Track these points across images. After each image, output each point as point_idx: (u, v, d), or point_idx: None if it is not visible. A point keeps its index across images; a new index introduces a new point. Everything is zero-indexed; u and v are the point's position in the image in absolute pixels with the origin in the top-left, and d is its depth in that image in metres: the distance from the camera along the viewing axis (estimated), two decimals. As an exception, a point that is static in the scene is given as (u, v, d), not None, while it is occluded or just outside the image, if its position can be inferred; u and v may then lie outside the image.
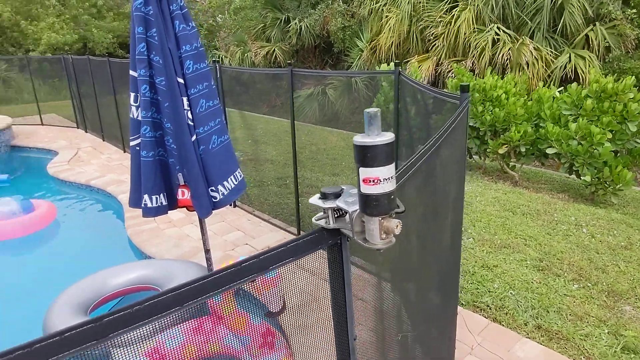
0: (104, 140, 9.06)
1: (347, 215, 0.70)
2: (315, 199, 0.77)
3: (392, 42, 10.90)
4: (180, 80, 2.79)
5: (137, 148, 2.88)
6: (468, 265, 3.89)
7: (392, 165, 0.66)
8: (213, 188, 2.94)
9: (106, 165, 7.37)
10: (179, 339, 2.61)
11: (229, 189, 3.02)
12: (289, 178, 5.77)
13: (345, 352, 0.86)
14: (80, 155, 8.14)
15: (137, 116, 2.84)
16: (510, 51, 8.28)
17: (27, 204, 5.18)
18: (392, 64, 8.25)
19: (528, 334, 3.01)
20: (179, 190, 2.96)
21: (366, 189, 0.68)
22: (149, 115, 2.80)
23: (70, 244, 5.03)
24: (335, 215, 0.75)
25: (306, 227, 4.65)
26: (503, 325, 3.10)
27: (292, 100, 4.24)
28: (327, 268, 0.78)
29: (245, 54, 15.71)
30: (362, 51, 12.84)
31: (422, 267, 1.46)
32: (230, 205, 5.34)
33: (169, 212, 3.05)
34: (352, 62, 13.53)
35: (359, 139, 0.69)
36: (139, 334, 0.59)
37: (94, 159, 7.85)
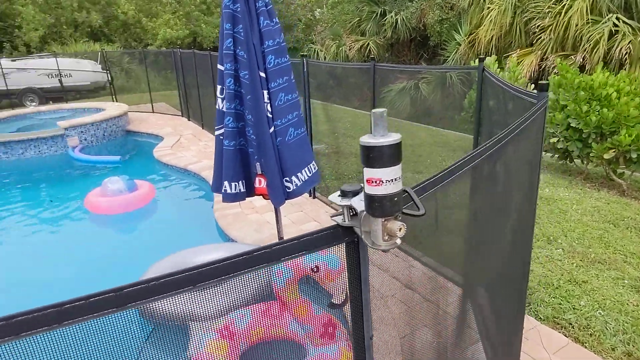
0: (203, 128, 9.80)
1: (358, 213, 0.71)
2: (334, 196, 0.78)
3: (493, 36, 10.28)
4: (262, 74, 2.93)
5: (221, 137, 3.10)
6: (552, 278, 3.59)
7: (397, 167, 0.65)
8: (287, 178, 3.06)
9: (203, 152, 7.97)
10: (247, 320, 2.79)
11: (302, 180, 3.12)
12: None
13: (361, 350, 0.87)
14: (182, 141, 8.89)
15: (222, 107, 3.05)
16: (630, 44, 7.37)
17: (131, 184, 5.82)
18: (478, 60, 7.80)
19: (614, 361, 2.71)
20: (257, 179, 3.13)
21: (369, 190, 0.68)
22: (232, 107, 2.99)
23: (165, 221, 5.57)
24: (351, 214, 0.76)
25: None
26: (585, 347, 2.83)
27: (373, 94, 4.23)
28: (346, 263, 0.80)
29: (340, 48, 15.87)
30: (460, 45, 12.29)
31: (473, 271, 1.40)
32: (310, 196, 5.49)
33: (246, 199, 3.24)
34: (448, 56, 13.02)
35: (365, 138, 0.70)
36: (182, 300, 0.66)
37: (193, 145, 8.54)
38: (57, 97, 14.45)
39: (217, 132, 3.14)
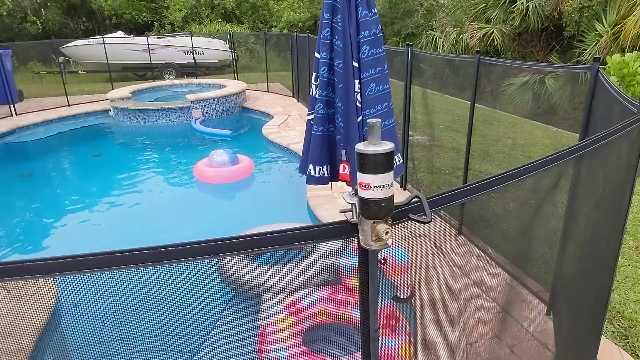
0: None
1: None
2: (346, 193, 0.83)
3: (642, 28, 8.95)
4: (355, 64, 2.97)
5: (311, 123, 3.23)
6: (661, 313, 3.15)
7: (387, 175, 0.68)
8: (370, 168, 3.10)
9: (306, 133, 8.30)
10: (313, 300, 2.93)
11: (385, 171, 3.13)
12: (469, 170, 5.52)
13: (366, 341, 0.91)
14: (289, 121, 9.34)
15: (315, 94, 3.17)
16: None
17: (234, 157, 6.32)
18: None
19: None
20: (341, 165, 3.22)
21: (361, 193, 0.72)
22: (324, 94, 3.10)
23: (262, 195, 5.98)
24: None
25: (467, 226, 4.43)
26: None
27: (474, 92, 4.03)
28: (357, 259, 0.84)
29: (460, 36, 15.08)
30: (601, 36, 10.90)
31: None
32: (401, 187, 5.45)
33: (336, 184, 3.36)
34: (584, 49, 11.63)
35: (359, 146, 0.73)
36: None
37: (298, 125, 8.92)
38: (190, 73, 16.05)
39: (308, 117, 3.29)
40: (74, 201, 5.94)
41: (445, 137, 7.33)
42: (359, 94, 3.00)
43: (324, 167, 3.24)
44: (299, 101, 11.20)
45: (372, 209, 0.71)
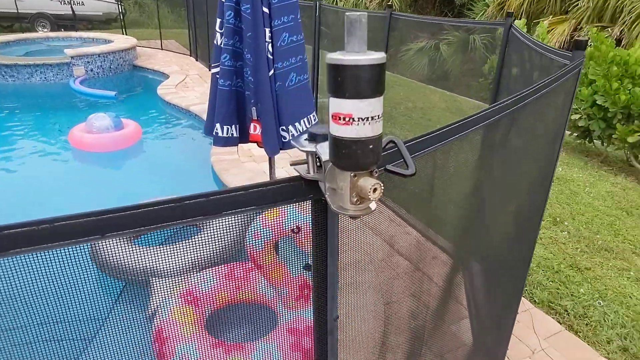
0: (210, 70, 9.44)
1: (322, 164, 0.49)
2: (299, 139, 0.57)
3: (525, -1, 9.64)
4: (265, 10, 2.63)
5: (217, 76, 2.85)
6: (553, 261, 3.41)
7: (376, 100, 0.43)
8: (284, 127, 2.83)
9: (207, 94, 7.67)
10: (211, 283, 2.62)
11: (300, 131, 2.89)
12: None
13: (322, 332, 0.68)
14: (187, 81, 8.58)
15: (220, 43, 2.77)
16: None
17: (117, 122, 5.51)
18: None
19: (608, 355, 2.57)
20: (251, 125, 2.90)
21: (336, 130, 0.47)
22: (230, 43, 2.72)
23: (159, 162, 5.38)
24: (318, 164, 0.55)
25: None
26: (579, 337, 2.68)
27: (387, 47, 3.91)
28: (310, 227, 0.60)
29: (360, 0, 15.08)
30: (488, 6, 11.60)
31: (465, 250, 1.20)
32: (311, 150, 5.27)
33: (243, 146, 3.03)
34: (473, 18, 12.33)
35: (334, 55, 0.46)
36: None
37: (198, 86, 8.23)
38: (68, 26, 13.98)
39: (212, 70, 2.89)
40: None
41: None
42: (270, 44, 2.68)
43: (233, 126, 2.90)
44: (197, 60, 10.35)
45: (355, 154, 0.46)
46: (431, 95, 9.84)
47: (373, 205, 0.49)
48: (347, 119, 0.43)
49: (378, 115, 0.44)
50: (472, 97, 9.37)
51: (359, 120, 0.43)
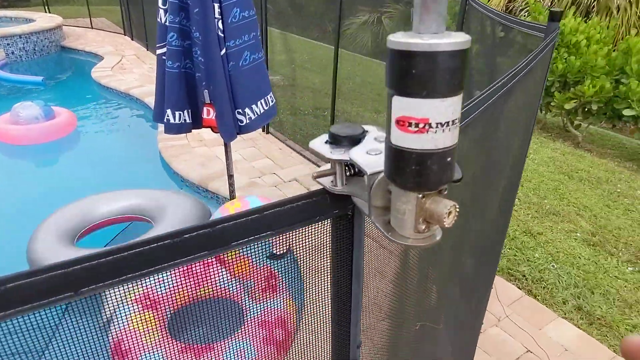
0: (147, 50, 8.87)
1: (365, 177, 0.40)
2: (318, 142, 0.47)
3: (464, -29, 9.77)
4: (213, -18, 2.43)
5: (163, 57, 2.63)
6: (509, 229, 3.55)
7: (459, 98, 0.32)
8: (240, 110, 2.68)
9: (147, 76, 7.22)
10: (169, 282, 2.46)
11: (257, 113, 2.76)
12: (327, 109, 5.42)
13: (342, 361, 0.61)
14: (124, 62, 8.02)
15: (165, 21, 2.55)
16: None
17: (48, 111, 5.04)
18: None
19: (565, 314, 2.72)
20: (204, 109, 2.72)
21: (400, 139, 0.34)
22: (176, 20, 2.50)
23: (97, 154, 4.97)
24: (348, 173, 0.46)
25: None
26: (538, 300, 2.82)
27: (339, 19, 3.79)
28: (331, 245, 0.51)
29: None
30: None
31: (463, 239, 1.16)
32: (263, 130, 5.12)
33: (193, 131, 2.85)
34: (415, -9, 12.41)
35: (403, 37, 0.33)
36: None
37: (136, 67, 7.72)
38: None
39: (158, 51, 2.66)
40: None
41: (300, 77, 7.12)
42: (220, 21, 2.49)
43: (185, 111, 2.70)
44: (133, 39, 9.68)
45: (428, 172, 0.35)
46: (378, 69, 9.84)
47: (438, 235, 0.39)
48: (420, 126, 0.32)
49: (456, 119, 0.33)
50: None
51: (437, 127, 0.32)
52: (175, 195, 3.29)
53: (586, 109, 5.33)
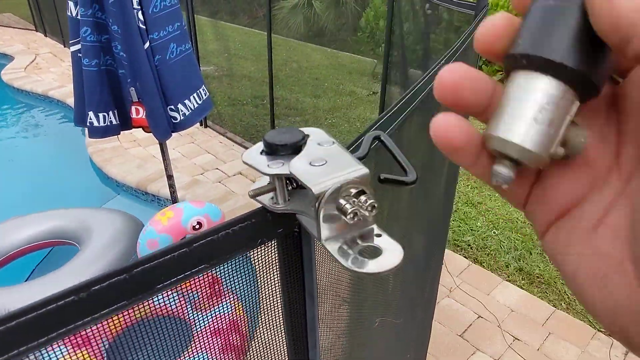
0: (65, 46, 8.21)
1: (310, 193, 0.35)
2: (252, 154, 0.41)
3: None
4: (128, -30, 2.25)
5: (79, 55, 2.41)
6: (452, 201, 3.68)
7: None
8: (172, 107, 2.53)
9: (67, 74, 6.68)
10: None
11: (191, 108, 2.62)
12: (266, 97, 5.31)
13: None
14: (39, 62, 7.38)
15: (76, 14, 2.33)
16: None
17: None
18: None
19: (509, 277, 2.87)
20: (132, 108, 2.54)
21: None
22: (89, 13, 2.29)
23: (19, 167, 4.53)
24: (290, 187, 0.41)
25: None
26: (484, 267, 2.95)
27: (269, 4, 3.69)
28: (279, 268, 0.46)
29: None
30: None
31: (414, 221, 1.16)
32: (201, 124, 4.92)
33: (122, 132, 2.66)
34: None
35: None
36: None
37: (53, 66, 7.13)
38: None
39: (72, 48, 2.44)
40: None
41: (235, 66, 6.91)
42: (140, 12, 2.31)
43: (110, 112, 2.51)
44: (46, 35, 8.92)
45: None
46: (313, 54, 9.79)
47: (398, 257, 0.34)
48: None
49: None
50: (353, 51, 9.50)
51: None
52: (100, 212, 3.02)
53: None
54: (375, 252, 0.35)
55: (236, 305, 2.32)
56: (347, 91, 6.69)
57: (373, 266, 0.34)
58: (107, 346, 2.12)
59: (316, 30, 12.00)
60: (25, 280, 2.77)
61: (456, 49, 1.14)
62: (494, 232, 3.29)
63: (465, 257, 3.04)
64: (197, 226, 2.28)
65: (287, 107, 5.70)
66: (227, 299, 2.30)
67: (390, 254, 0.35)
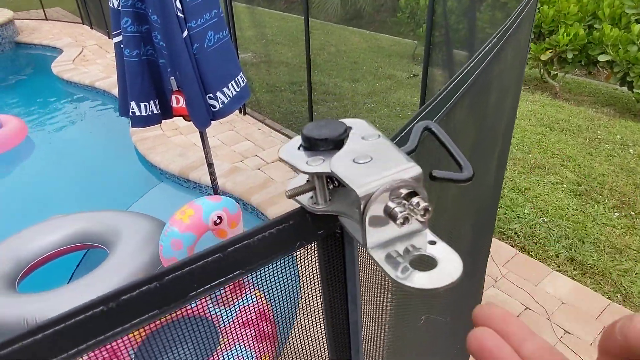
0: (110, 38, 8.47)
1: (355, 195, 0.30)
2: (289, 149, 0.37)
3: None
4: (166, -41, 2.25)
5: (121, 45, 2.45)
6: (497, 187, 3.53)
7: None
8: (211, 95, 2.54)
9: (112, 66, 6.90)
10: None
11: (229, 96, 2.62)
12: (303, 83, 5.26)
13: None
14: (86, 54, 7.66)
15: (117, 5, 2.36)
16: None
17: None
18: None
19: (559, 267, 2.73)
20: (173, 97, 2.57)
21: None
22: (129, 4, 2.32)
23: (67, 157, 4.69)
24: (331, 186, 0.37)
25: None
26: (532, 256, 2.82)
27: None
28: (319, 272, 0.43)
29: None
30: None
31: (463, 212, 1.10)
32: (240, 112, 4.96)
33: (163, 121, 2.71)
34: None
35: None
36: None
37: (99, 58, 7.38)
38: None
39: (115, 40, 2.48)
40: None
41: (272, 52, 6.90)
42: (177, 0, 2.32)
43: (151, 102, 2.55)
44: (92, 28, 9.23)
45: None
46: (350, 37, 9.62)
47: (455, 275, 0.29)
48: None
49: None
50: (391, 33, 9.26)
51: None
52: (126, 215, 2.99)
53: (562, 58, 5.28)
54: (429, 263, 0.31)
55: (258, 295, 2.31)
56: (387, 74, 6.54)
57: (425, 280, 0.29)
58: (132, 356, 2.17)
59: (354, 13, 11.78)
60: (68, 282, 2.81)
61: (507, 27, 1.06)
62: (543, 220, 3.13)
63: (512, 245, 2.92)
64: (218, 220, 2.29)
65: (325, 92, 5.63)
66: (248, 289, 2.30)
67: (446, 265, 0.30)
